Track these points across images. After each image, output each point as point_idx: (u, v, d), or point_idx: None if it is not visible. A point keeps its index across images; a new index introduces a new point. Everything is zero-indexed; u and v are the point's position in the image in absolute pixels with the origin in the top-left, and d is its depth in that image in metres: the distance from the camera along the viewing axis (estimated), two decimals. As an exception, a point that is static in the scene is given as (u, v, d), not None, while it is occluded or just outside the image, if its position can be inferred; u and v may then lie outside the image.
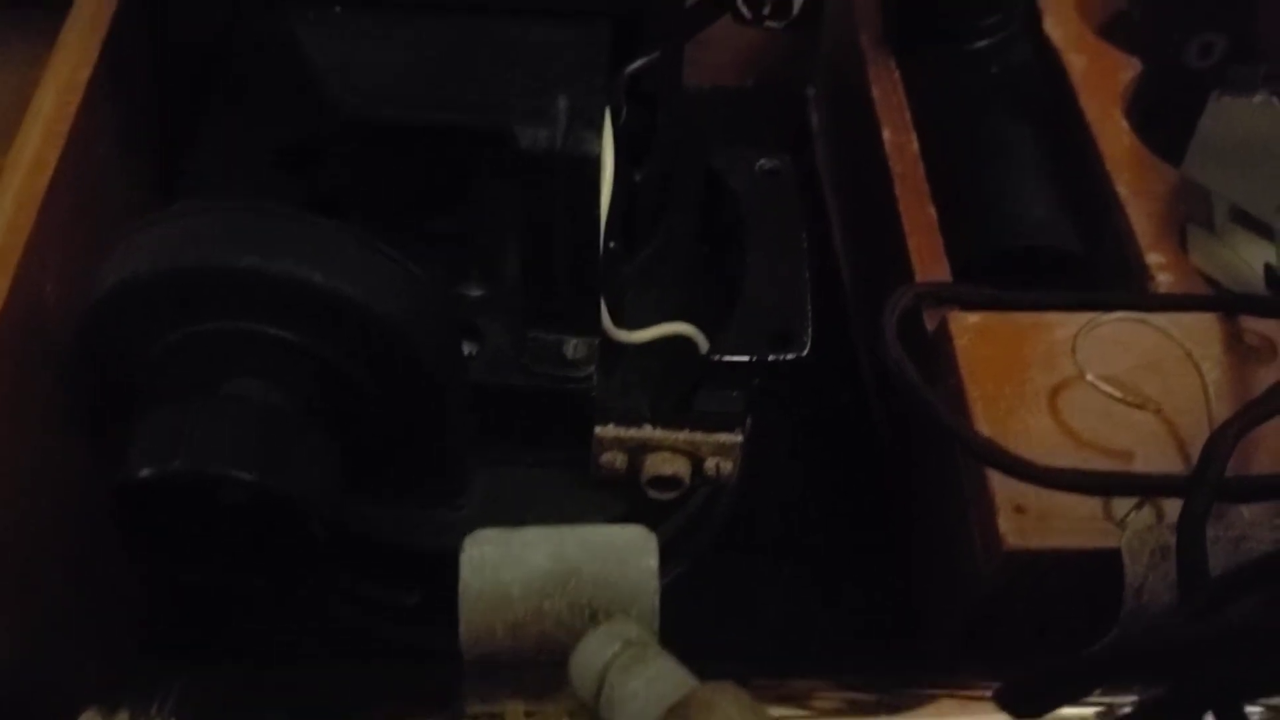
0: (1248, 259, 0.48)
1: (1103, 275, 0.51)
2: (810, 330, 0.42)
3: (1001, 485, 0.39)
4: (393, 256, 0.36)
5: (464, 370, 0.40)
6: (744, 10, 0.37)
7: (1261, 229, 0.48)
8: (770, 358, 0.42)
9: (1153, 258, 0.49)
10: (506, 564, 0.35)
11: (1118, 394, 0.41)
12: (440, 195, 0.44)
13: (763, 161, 0.47)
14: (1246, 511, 0.37)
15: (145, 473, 0.33)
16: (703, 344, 0.44)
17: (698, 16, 0.40)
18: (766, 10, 0.37)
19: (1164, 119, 0.58)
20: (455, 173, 0.41)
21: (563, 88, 0.37)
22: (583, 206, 0.38)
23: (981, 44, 0.56)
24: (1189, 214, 0.50)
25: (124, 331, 0.36)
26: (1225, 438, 0.36)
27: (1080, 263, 0.50)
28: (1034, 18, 0.58)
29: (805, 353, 0.42)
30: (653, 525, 0.42)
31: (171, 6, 0.39)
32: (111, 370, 0.37)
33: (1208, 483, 0.35)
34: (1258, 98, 0.49)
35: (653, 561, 0.36)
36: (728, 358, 0.42)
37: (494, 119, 0.37)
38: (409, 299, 0.37)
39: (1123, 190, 0.51)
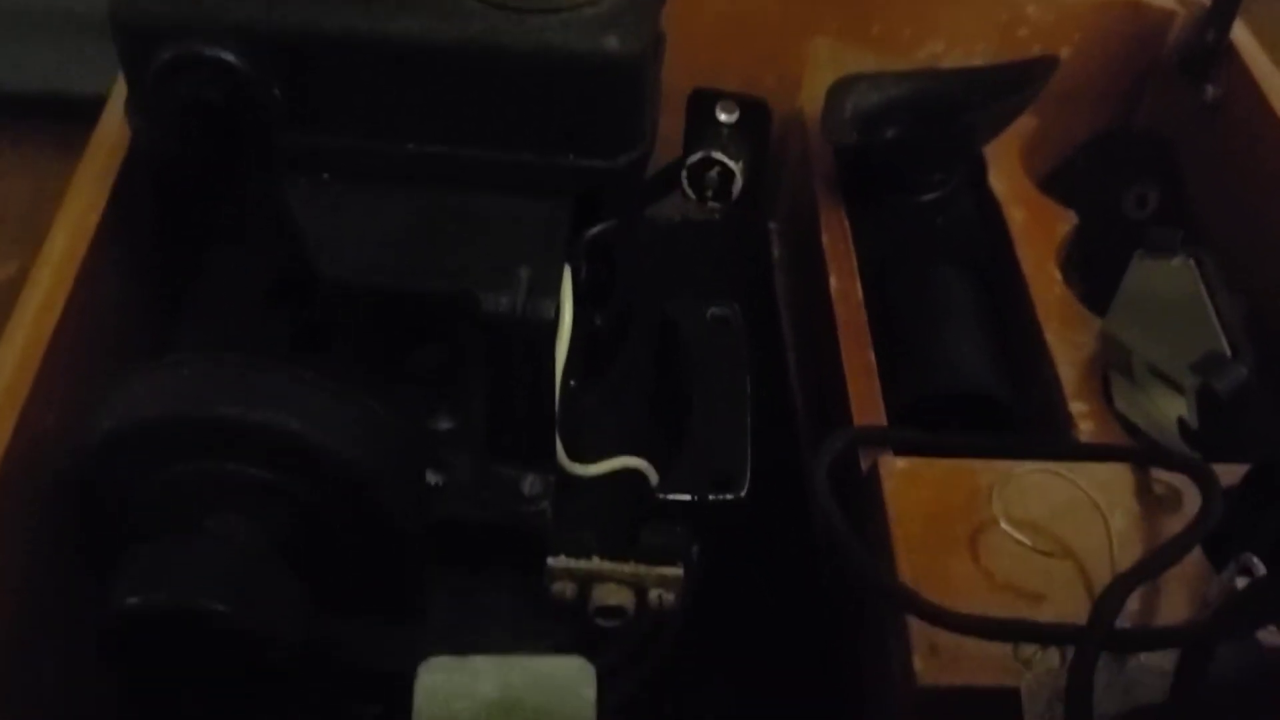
0: (1164, 409, 0.52)
1: (1032, 418, 0.55)
2: (749, 473, 0.46)
3: (918, 627, 0.43)
4: (365, 405, 0.40)
5: (424, 510, 0.43)
6: (689, 192, 0.42)
7: (1176, 384, 0.52)
8: (711, 497, 0.45)
9: (1076, 406, 0.53)
10: (456, 693, 0.39)
11: (1028, 541, 0.45)
12: (416, 337, 0.49)
13: (713, 309, 0.51)
14: (1140, 659, 0.41)
15: (128, 603, 0.37)
16: (653, 477, 0.48)
17: (650, 191, 0.44)
18: (709, 194, 0.41)
19: (1099, 268, 0.62)
20: (430, 322, 0.45)
21: (526, 257, 0.41)
22: (539, 363, 0.42)
23: (928, 197, 0.60)
24: (1111, 364, 0.54)
25: (117, 472, 0.40)
26: (1116, 593, 0.40)
27: (1009, 409, 0.54)
28: (979, 170, 0.62)
29: (744, 494, 0.45)
30: (601, 648, 0.46)
31: (171, 167, 0.43)
32: (107, 505, 0.41)
33: (1096, 634, 0.38)
34: (1176, 260, 0.53)
35: (590, 693, 0.39)
36: (671, 496, 0.45)
37: (461, 285, 0.41)
38: (377, 445, 0.40)
39: (1051, 339, 0.55)
